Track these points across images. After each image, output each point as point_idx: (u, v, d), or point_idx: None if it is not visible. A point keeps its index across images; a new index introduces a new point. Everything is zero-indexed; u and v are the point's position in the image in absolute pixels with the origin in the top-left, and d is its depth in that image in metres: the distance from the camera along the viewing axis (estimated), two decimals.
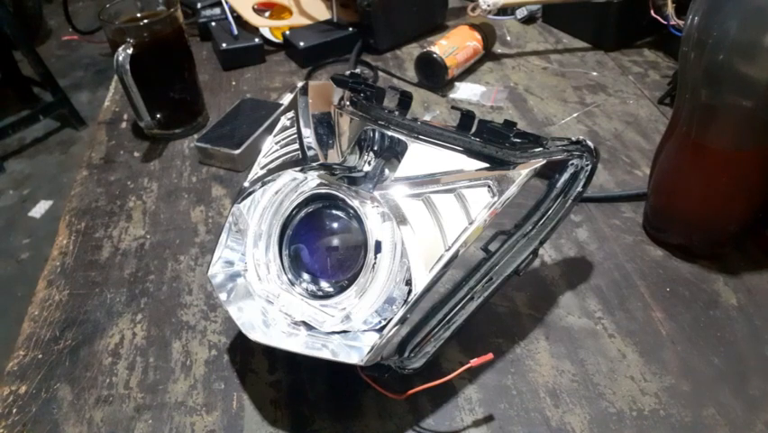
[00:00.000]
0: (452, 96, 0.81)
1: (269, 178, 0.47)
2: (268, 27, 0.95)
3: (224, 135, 0.71)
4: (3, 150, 2.21)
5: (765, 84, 0.44)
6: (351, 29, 0.92)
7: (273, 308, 0.45)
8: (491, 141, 0.42)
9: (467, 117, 0.43)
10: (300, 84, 0.60)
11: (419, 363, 0.45)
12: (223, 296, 0.46)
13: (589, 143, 0.46)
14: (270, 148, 0.49)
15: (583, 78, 0.83)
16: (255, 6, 0.94)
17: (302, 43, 0.89)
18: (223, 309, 0.54)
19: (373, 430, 0.44)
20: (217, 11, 0.98)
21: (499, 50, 0.91)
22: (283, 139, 0.49)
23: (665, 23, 0.79)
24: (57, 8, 2.99)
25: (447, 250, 0.40)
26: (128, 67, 0.67)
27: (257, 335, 0.43)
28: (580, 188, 0.48)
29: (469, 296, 0.47)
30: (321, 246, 0.47)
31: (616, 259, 0.56)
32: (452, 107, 0.62)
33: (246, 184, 0.48)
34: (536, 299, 0.53)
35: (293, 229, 0.47)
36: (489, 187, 0.41)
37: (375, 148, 0.48)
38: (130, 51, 0.67)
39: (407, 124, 0.45)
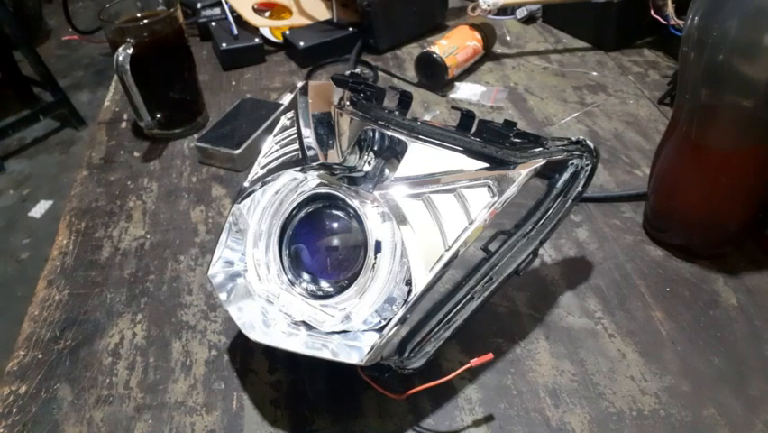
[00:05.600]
0: (452, 96, 0.81)
1: (269, 178, 0.47)
2: (268, 27, 0.95)
3: (224, 135, 0.71)
4: (3, 150, 2.21)
5: (765, 84, 0.44)
6: (351, 29, 0.92)
7: (273, 308, 0.45)
8: (491, 141, 0.42)
9: (467, 117, 0.43)
10: (300, 84, 0.60)
11: (419, 363, 0.45)
12: (223, 296, 0.46)
13: (589, 143, 0.46)
14: (270, 148, 0.49)
15: (583, 78, 0.83)
16: (255, 6, 0.94)
17: (302, 43, 0.89)
18: (223, 309, 0.54)
19: (373, 430, 0.44)
20: (217, 11, 0.98)
21: (499, 50, 0.91)
22: (283, 139, 0.49)
23: (665, 22, 0.79)
24: (57, 8, 2.99)
25: (447, 250, 0.40)
26: (128, 67, 0.67)
27: (257, 335, 0.43)
28: (580, 188, 0.48)
29: (469, 296, 0.47)
30: (321, 246, 0.47)
31: (616, 259, 0.56)
32: (452, 107, 0.62)
33: (246, 184, 0.48)
34: (536, 299, 0.53)
35: (293, 229, 0.47)
36: (489, 187, 0.41)
37: (375, 148, 0.48)
38: (130, 51, 0.67)
39: (407, 124, 0.45)
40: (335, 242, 0.46)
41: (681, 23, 0.77)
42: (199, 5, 1.00)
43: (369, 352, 0.40)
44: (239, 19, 0.93)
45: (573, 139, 0.45)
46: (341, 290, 0.44)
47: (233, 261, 0.48)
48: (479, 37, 0.85)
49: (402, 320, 0.40)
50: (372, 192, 0.43)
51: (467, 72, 0.86)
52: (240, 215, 0.48)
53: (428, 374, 0.45)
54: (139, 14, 0.75)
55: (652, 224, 0.58)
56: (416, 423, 0.45)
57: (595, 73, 0.84)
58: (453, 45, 0.82)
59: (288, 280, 0.46)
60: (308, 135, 0.47)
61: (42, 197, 2.03)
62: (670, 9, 0.78)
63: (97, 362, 0.50)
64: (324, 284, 0.46)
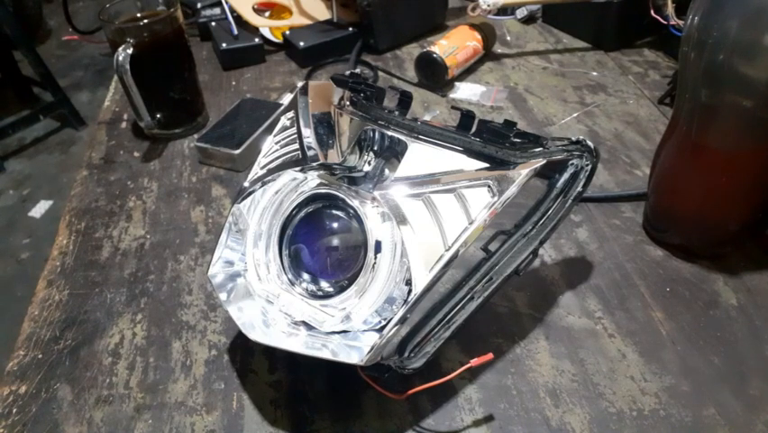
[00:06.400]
0: (452, 96, 0.81)
1: (269, 178, 0.47)
2: (268, 27, 0.95)
3: (224, 135, 0.71)
4: (3, 150, 2.21)
5: (765, 84, 0.44)
6: (351, 29, 0.92)
7: (273, 308, 0.45)
8: (491, 141, 0.42)
9: (467, 117, 0.43)
10: (300, 84, 0.60)
11: (419, 363, 0.45)
12: (223, 296, 0.46)
13: (589, 143, 0.46)
14: (270, 148, 0.49)
15: (583, 78, 0.83)
16: (255, 6, 0.94)
17: (302, 43, 0.89)
18: (223, 309, 0.54)
19: (373, 430, 0.44)
20: (217, 11, 0.98)
21: (499, 50, 0.91)
22: (283, 139, 0.49)
23: (665, 22, 0.79)
24: (57, 8, 2.99)
25: (447, 250, 0.40)
26: (128, 67, 0.67)
27: (257, 335, 0.43)
28: (580, 189, 0.48)
29: (469, 296, 0.47)
30: (321, 246, 0.47)
31: (616, 259, 0.56)
32: (452, 107, 0.62)
33: (246, 184, 0.48)
34: (536, 299, 0.53)
35: (293, 229, 0.47)
36: (489, 187, 0.41)
37: (375, 148, 0.48)
38: (130, 51, 0.67)
39: (407, 123, 0.45)
40: (335, 242, 0.46)
41: (681, 23, 0.77)
42: (199, 5, 1.00)
43: (369, 352, 0.40)
44: (239, 19, 0.93)
45: (573, 139, 0.45)
46: (341, 290, 0.44)
47: (233, 261, 0.48)
48: (479, 37, 0.85)
49: (402, 320, 0.40)
50: (372, 192, 0.43)
51: (467, 72, 0.86)
52: (240, 215, 0.48)
53: (428, 374, 0.45)
54: (139, 14, 0.75)
55: (652, 224, 0.58)
56: (416, 423, 0.45)
57: (595, 73, 0.84)
58: (453, 45, 0.82)
59: (288, 280, 0.46)
60: (308, 135, 0.47)
61: (42, 197, 2.03)
62: (670, 9, 0.78)
63: (97, 362, 0.50)
64: (324, 284, 0.46)
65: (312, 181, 0.46)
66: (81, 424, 0.46)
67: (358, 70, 0.87)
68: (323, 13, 0.96)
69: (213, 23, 0.96)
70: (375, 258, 0.43)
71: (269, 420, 0.45)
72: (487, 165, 0.42)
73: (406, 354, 0.45)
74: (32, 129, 2.27)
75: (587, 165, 0.47)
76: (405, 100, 0.47)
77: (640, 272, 0.55)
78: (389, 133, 0.46)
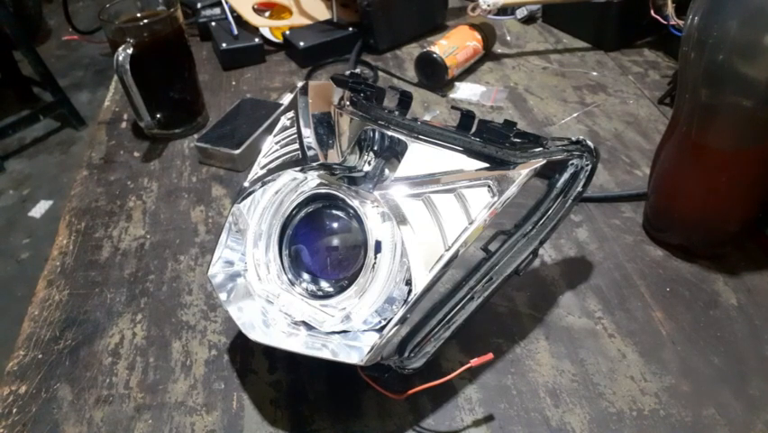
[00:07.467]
0: (452, 96, 0.81)
1: (269, 178, 0.47)
2: (268, 27, 0.95)
3: (224, 135, 0.71)
4: (3, 150, 2.21)
5: (765, 84, 0.44)
6: (351, 29, 0.92)
7: (273, 308, 0.45)
8: (491, 141, 0.42)
9: (467, 117, 0.43)
10: (300, 84, 0.60)
11: (419, 362, 0.45)
12: (223, 296, 0.46)
13: (589, 143, 0.46)
14: (270, 148, 0.49)
15: (583, 78, 0.83)
16: (255, 6, 0.94)
17: (302, 43, 0.89)
18: (223, 309, 0.54)
19: (373, 430, 0.44)
20: (217, 11, 0.98)
21: (499, 50, 0.91)
22: (283, 139, 0.49)
23: (665, 22, 0.79)
24: (57, 8, 2.99)
25: (447, 250, 0.40)
26: (128, 67, 0.67)
27: (257, 335, 0.43)
28: (580, 188, 0.49)
29: (469, 296, 0.47)
30: (321, 246, 0.47)
31: (616, 259, 0.56)
32: (452, 107, 0.62)
33: (246, 184, 0.48)
34: (536, 299, 0.53)
35: (293, 229, 0.47)
36: (489, 187, 0.41)
37: (375, 148, 0.48)
38: (130, 51, 0.67)
39: (407, 123, 0.45)
40: (335, 242, 0.46)
41: (681, 22, 0.77)
42: (199, 5, 1.00)
43: (369, 352, 0.40)
44: (239, 19, 0.93)
45: (573, 139, 0.45)
46: (341, 289, 0.44)
47: (233, 261, 0.48)
48: (479, 37, 0.85)
49: (402, 320, 0.40)
50: (372, 192, 0.43)
51: (467, 72, 0.86)
52: (240, 215, 0.48)
53: (428, 374, 0.45)
54: (139, 14, 0.75)
55: (652, 224, 0.58)
56: (416, 423, 0.45)
57: (595, 73, 0.84)
58: (453, 45, 0.82)
59: (288, 280, 0.46)
60: (308, 135, 0.47)
61: (42, 197, 2.03)
62: (670, 9, 0.78)
63: (97, 362, 0.50)
64: (324, 284, 0.46)
65: (312, 181, 0.46)
66: (81, 424, 0.46)
67: (358, 70, 0.87)
68: (323, 13, 0.96)
69: (213, 23, 0.96)
70: (375, 258, 0.43)
71: (269, 420, 0.45)
72: (487, 165, 0.42)
73: (406, 354, 0.45)
74: (32, 129, 2.28)
75: (587, 165, 0.47)
76: (405, 100, 0.47)
77: (640, 272, 0.55)
78: (389, 133, 0.46)
